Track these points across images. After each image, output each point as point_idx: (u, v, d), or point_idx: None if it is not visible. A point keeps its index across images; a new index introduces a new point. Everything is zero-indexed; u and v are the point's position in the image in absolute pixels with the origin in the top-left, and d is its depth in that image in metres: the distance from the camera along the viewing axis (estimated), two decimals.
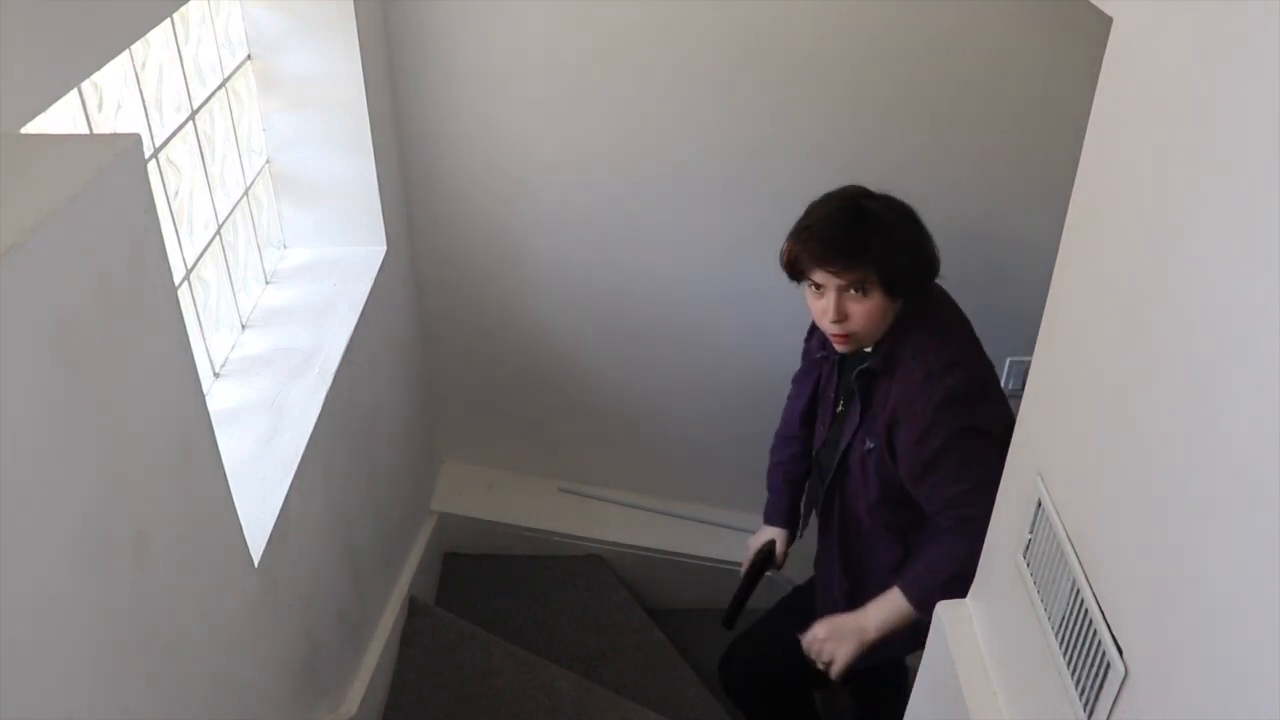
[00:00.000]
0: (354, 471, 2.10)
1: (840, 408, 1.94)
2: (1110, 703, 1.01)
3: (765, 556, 2.18)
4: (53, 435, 0.95)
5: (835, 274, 1.75)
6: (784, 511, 2.20)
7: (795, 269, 1.81)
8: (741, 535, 2.75)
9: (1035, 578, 1.22)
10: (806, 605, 2.10)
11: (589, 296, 2.59)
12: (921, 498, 1.77)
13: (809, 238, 1.77)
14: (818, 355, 2.02)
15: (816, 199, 1.84)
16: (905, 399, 1.74)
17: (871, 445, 1.82)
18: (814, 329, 2.02)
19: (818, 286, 1.78)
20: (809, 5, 2.13)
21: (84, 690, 1.04)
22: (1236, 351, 0.83)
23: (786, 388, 2.21)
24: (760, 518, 2.28)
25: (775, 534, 2.19)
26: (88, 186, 0.97)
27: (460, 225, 2.48)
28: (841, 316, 1.77)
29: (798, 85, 2.25)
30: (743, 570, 2.20)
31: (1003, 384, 2.61)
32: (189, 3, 1.58)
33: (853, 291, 1.75)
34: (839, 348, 1.84)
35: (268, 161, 2.11)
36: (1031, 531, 1.23)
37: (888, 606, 1.81)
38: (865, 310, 1.76)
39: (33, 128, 1.10)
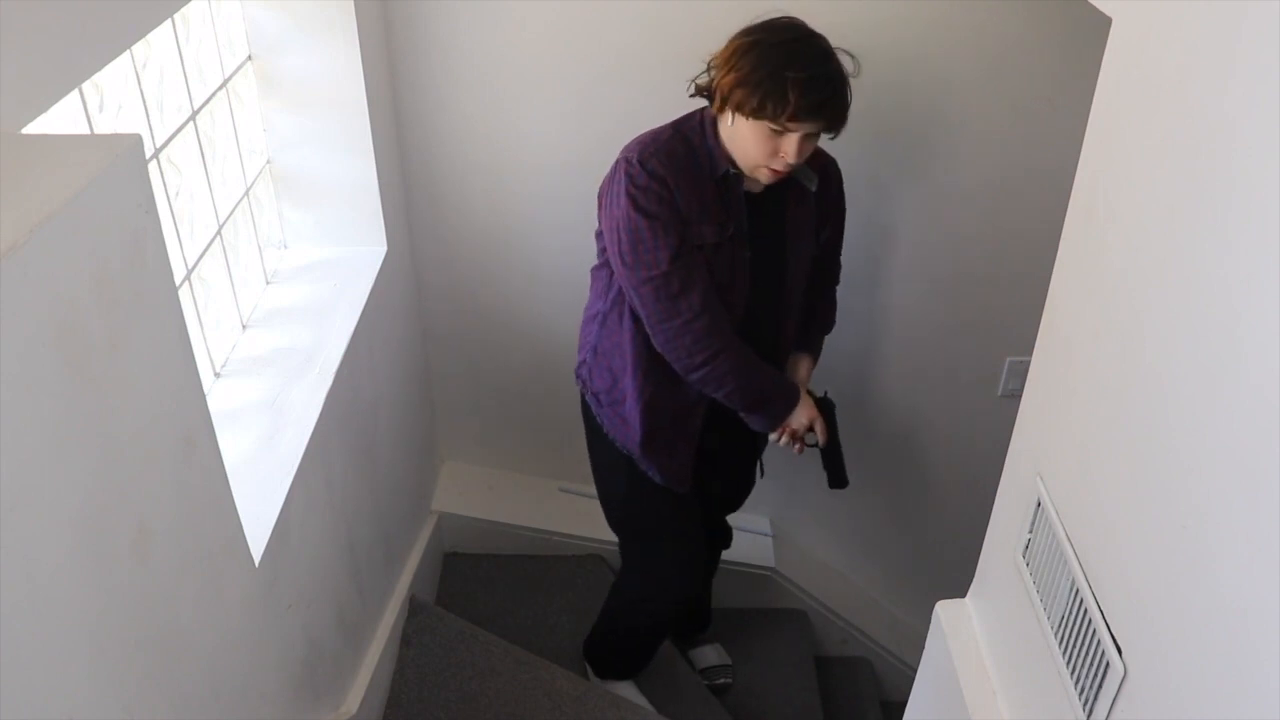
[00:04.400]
0: (354, 471, 2.10)
1: (748, 251, 1.93)
2: (1110, 702, 1.02)
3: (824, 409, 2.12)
4: (53, 435, 0.95)
5: (822, 129, 1.80)
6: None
7: (778, 113, 1.74)
8: (741, 535, 2.75)
9: (1035, 577, 1.22)
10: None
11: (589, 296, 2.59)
12: (835, 250, 2.16)
13: (817, 94, 1.74)
14: (720, 235, 1.88)
15: (777, 27, 1.79)
16: (838, 179, 2.06)
17: (821, 234, 2.06)
18: (670, 231, 1.83)
19: (778, 130, 1.77)
20: (810, 6, 2.13)
21: (84, 689, 1.04)
22: (1235, 351, 0.83)
23: None
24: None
25: (806, 400, 2.10)
26: (88, 187, 0.97)
27: (460, 225, 2.49)
28: (800, 159, 1.81)
29: None
30: (820, 438, 2.11)
31: (1002, 384, 2.63)
32: (190, 3, 1.58)
33: (811, 137, 1.81)
34: (770, 181, 1.87)
35: (268, 162, 2.11)
36: (1031, 531, 1.23)
37: (809, 368, 2.21)
38: (811, 148, 1.85)
39: (34, 128, 1.10)
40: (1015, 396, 1.39)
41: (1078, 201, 1.15)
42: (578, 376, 2.17)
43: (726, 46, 1.81)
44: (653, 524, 2.26)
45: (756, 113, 1.76)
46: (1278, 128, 0.76)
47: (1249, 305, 0.80)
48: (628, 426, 2.08)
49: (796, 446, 2.12)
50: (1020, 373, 2.56)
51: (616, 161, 1.90)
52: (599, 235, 2.00)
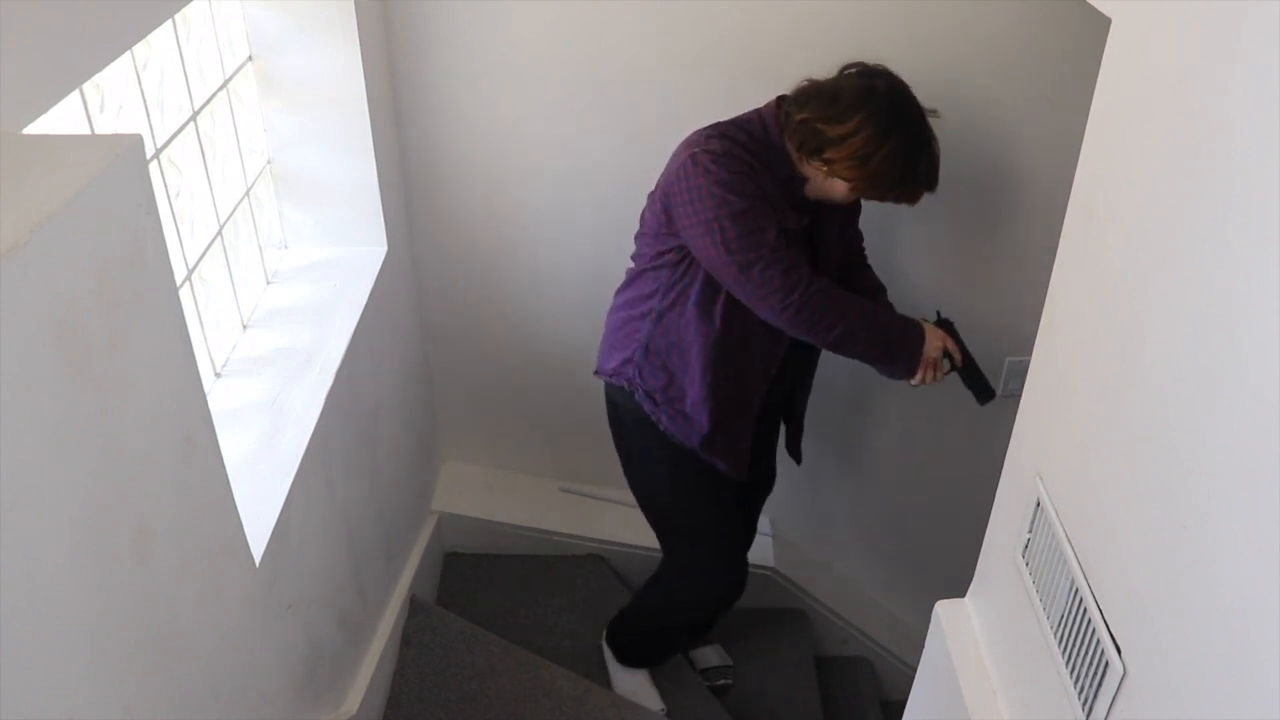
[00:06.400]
0: (355, 471, 2.10)
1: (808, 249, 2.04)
2: (1109, 701, 1.02)
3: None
4: (54, 435, 0.96)
5: None
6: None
7: (912, 198, 1.96)
8: None
9: (1034, 577, 1.22)
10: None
11: (589, 296, 2.59)
12: (858, 235, 2.23)
13: (938, 169, 1.94)
14: (799, 223, 1.97)
15: (907, 116, 1.90)
16: None
17: (845, 234, 2.14)
18: (768, 211, 1.89)
19: None
20: (811, 6, 2.14)
21: (84, 689, 1.04)
22: (1235, 351, 0.83)
23: None
24: None
25: (929, 326, 2.10)
26: (89, 187, 0.97)
27: (460, 225, 2.49)
28: None
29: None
30: (956, 359, 2.09)
31: (1002, 384, 2.64)
32: (190, 4, 1.58)
33: None
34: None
35: (269, 162, 2.11)
36: (1031, 531, 1.23)
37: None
38: None
39: (35, 128, 1.10)
40: (1015, 396, 1.38)
41: (1078, 201, 1.15)
42: (621, 375, 2.12)
43: (848, 121, 1.84)
44: (703, 522, 2.26)
45: (893, 199, 1.95)
46: (1278, 128, 0.76)
47: (1249, 305, 0.80)
48: (690, 422, 2.07)
49: (939, 376, 2.08)
50: (1020, 373, 2.55)
51: (686, 160, 1.88)
52: (643, 239, 2.02)
